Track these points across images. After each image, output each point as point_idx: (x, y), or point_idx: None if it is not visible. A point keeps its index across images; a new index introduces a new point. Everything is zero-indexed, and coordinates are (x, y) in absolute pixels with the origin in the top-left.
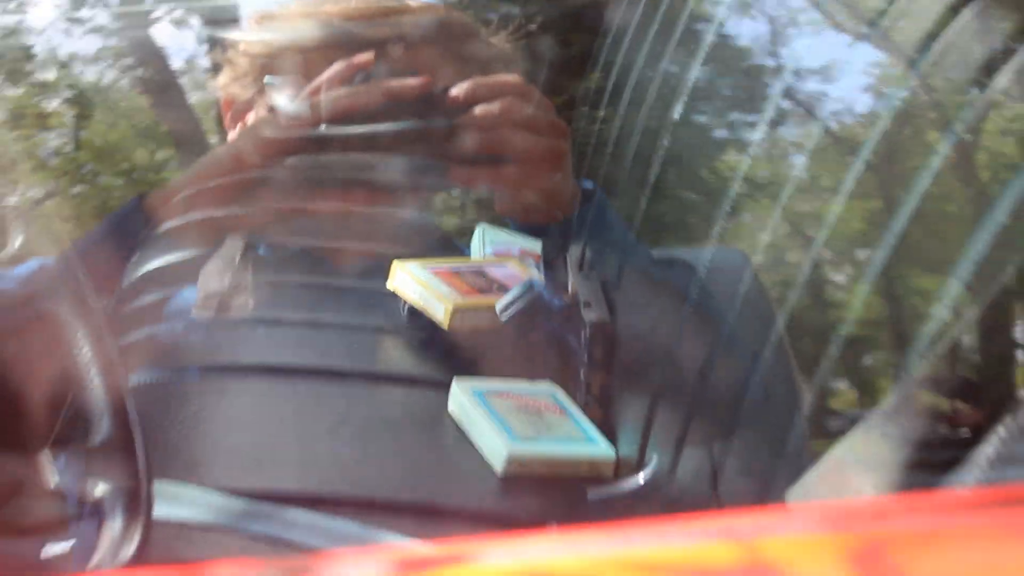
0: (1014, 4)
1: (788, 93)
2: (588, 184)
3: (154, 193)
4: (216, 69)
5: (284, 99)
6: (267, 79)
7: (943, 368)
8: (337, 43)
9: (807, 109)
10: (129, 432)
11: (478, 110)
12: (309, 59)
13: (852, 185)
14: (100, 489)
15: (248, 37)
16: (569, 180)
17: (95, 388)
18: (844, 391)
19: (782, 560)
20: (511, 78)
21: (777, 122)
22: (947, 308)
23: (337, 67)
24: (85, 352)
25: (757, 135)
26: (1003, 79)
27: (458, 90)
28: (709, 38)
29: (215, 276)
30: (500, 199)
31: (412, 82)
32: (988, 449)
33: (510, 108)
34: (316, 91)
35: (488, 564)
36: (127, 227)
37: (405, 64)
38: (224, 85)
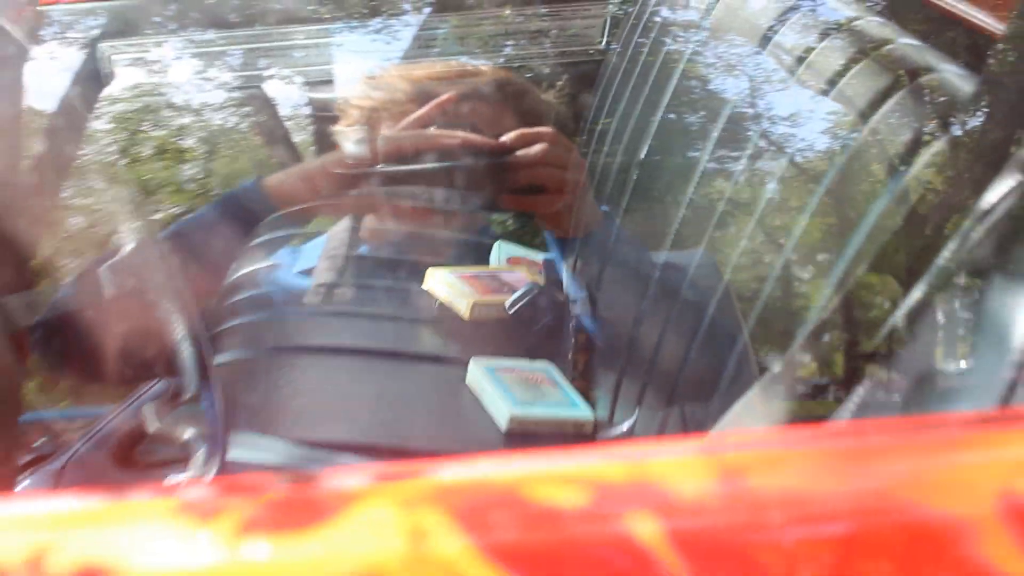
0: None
1: (763, 134)
2: (603, 208)
3: (270, 178)
4: (316, 117)
5: (359, 142)
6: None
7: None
8: (423, 98)
9: (778, 147)
10: (211, 391)
11: (520, 153)
12: (402, 110)
13: (814, 205)
14: (190, 434)
15: (358, 93)
16: (589, 204)
17: (187, 357)
18: (808, 363)
19: (665, 475)
20: (546, 129)
21: (755, 156)
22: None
23: (419, 114)
24: (177, 326)
25: (739, 167)
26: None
27: (507, 137)
28: (699, 92)
29: (326, 271)
30: (540, 219)
31: (474, 137)
32: (853, 399)
33: (545, 152)
34: (413, 125)
35: (442, 476)
36: (244, 202)
37: (473, 114)
38: (338, 128)
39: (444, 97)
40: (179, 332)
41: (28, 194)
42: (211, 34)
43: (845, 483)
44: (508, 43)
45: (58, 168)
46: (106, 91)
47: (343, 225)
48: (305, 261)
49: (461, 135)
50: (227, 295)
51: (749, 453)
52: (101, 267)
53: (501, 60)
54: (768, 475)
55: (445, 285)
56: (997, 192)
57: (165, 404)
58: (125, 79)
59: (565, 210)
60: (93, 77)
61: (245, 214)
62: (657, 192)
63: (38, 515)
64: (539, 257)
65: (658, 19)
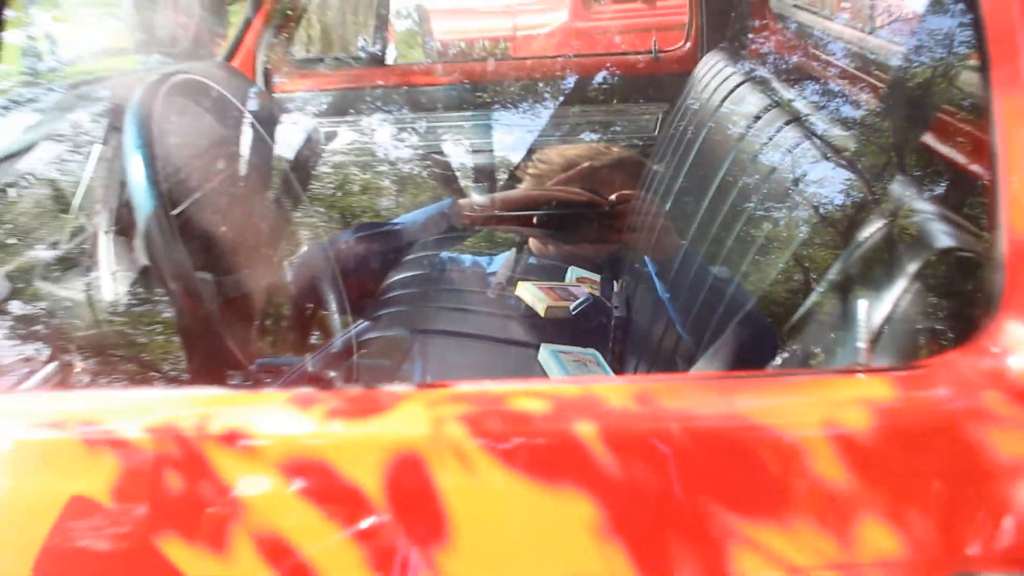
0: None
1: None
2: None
3: (462, 202)
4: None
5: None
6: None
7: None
8: (569, 166)
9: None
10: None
11: (620, 207)
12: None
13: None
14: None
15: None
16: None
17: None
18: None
19: (604, 395)
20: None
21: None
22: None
23: (569, 175)
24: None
25: (739, 206)
26: None
27: (613, 197)
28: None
29: (505, 273)
30: (631, 251)
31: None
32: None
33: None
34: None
35: (456, 389)
36: (439, 216)
37: (603, 177)
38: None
39: (584, 166)
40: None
41: (271, 215)
42: (404, 112)
43: (725, 408)
44: (600, 128)
45: (293, 197)
46: (327, 147)
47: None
48: (495, 266)
49: (586, 194)
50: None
51: (663, 385)
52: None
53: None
54: (673, 399)
55: (530, 293)
56: (867, 230)
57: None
58: (342, 139)
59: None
60: (313, 138)
61: (442, 219)
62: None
63: (212, 396)
64: (596, 277)
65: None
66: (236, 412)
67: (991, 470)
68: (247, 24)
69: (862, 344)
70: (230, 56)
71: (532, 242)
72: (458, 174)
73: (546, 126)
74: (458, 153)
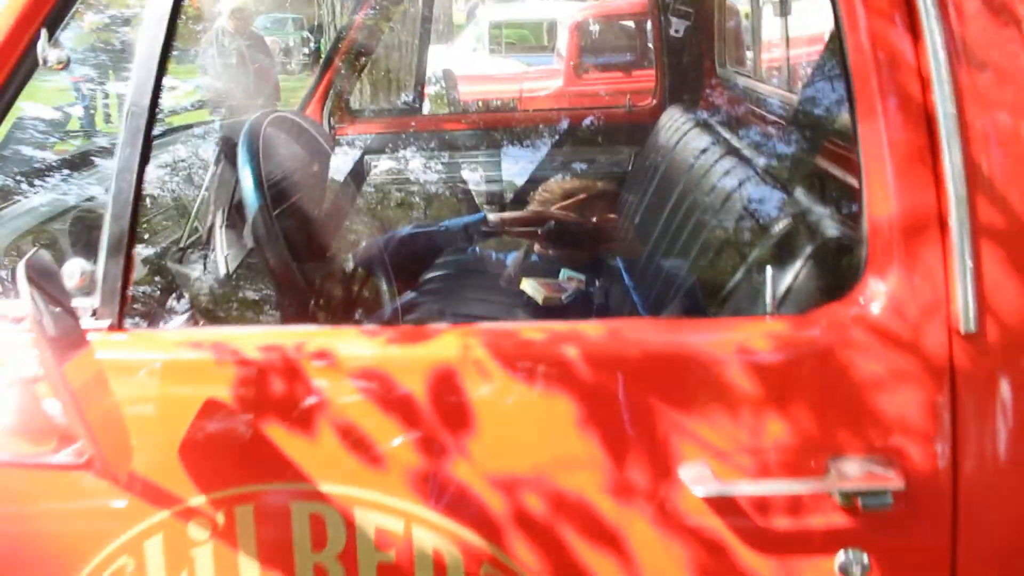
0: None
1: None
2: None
3: (490, 216)
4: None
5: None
6: None
7: None
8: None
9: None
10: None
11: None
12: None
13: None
14: None
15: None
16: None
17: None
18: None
19: (583, 330)
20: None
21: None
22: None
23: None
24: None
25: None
26: None
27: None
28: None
29: (514, 268)
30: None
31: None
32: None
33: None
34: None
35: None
36: (474, 224)
37: (590, 203)
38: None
39: (578, 198)
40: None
41: (326, 226)
42: (432, 148)
43: (672, 338)
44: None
45: (342, 208)
46: (375, 172)
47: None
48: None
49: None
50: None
51: (629, 324)
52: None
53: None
54: (634, 333)
55: (530, 286)
56: (778, 225)
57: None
58: (384, 166)
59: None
60: (360, 169)
61: (474, 226)
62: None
63: (303, 330)
64: (582, 276)
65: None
66: (321, 339)
67: (855, 381)
68: (316, 84)
69: (769, 299)
70: (303, 107)
71: (536, 247)
72: (474, 195)
73: (544, 162)
74: (474, 180)
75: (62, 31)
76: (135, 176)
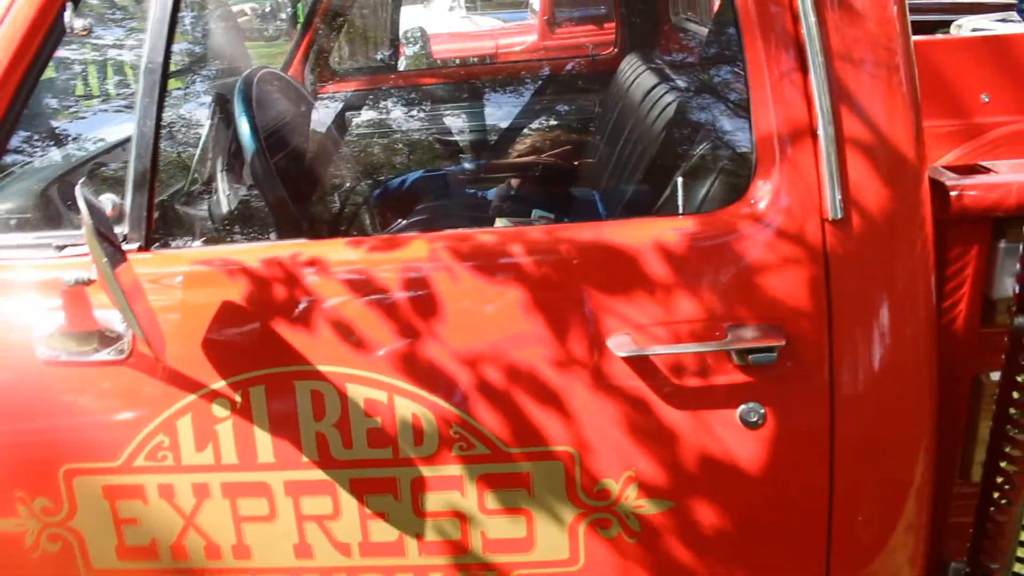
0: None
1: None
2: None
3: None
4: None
5: None
6: None
7: None
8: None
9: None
10: None
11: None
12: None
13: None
14: None
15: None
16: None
17: None
18: None
19: (529, 232)
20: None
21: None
22: None
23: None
24: None
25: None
26: None
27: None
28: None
29: (496, 201)
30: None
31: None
32: None
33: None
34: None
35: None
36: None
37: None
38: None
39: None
40: None
41: (313, 167)
42: (408, 97)
43: (603, 234)
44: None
45: (324, 157)
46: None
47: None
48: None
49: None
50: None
51: (568, 227)
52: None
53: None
54: (570, 232)
55: (503, 223)
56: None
57: None
58: (361, 119)
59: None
60: (342, 120)
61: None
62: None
63: (296, 244)
64: (551, 215)
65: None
66: (312, 250)
67: (747, 264)
68: (297, 46)
69: (681, 203)
70: (286, 68)
71: (515, 182)
72: (449, 143)
73: (515, 111)
74: (448, 130)
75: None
76: (154, 122)
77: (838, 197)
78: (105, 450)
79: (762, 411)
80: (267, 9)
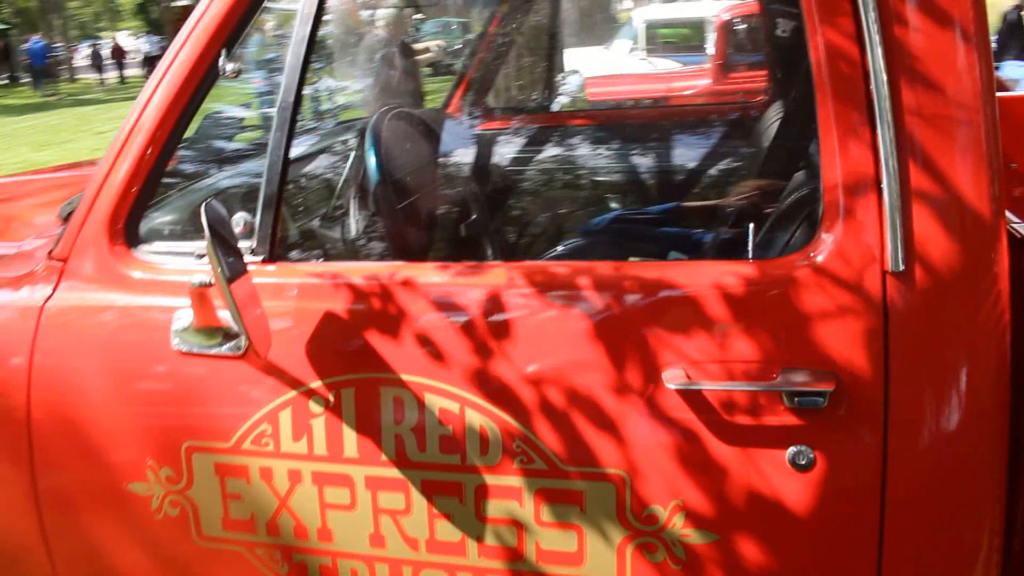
0: None
1: None
2: None
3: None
4: None
5: None
6: None
7: None
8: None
9: None
10: None
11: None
12: None
13: None
14: None
15: None
16: None
17: None
18: None
19: None
20: None
21: None
22: None
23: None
24: None
25: None
26: None
27: None
28: None
29: None
30: None
31: None
32: None
33: None
34: None
35: None
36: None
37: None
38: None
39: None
40: None
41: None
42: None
43: (642, 273)
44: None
45: (452, 190)
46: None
47: None
48: None
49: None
50: None
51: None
52: None
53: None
54: (605, 270)
55: None
56: None
57: None
58: (511, 156)
59: None
60: (488, 153)
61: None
62: None
63: (398, 265)
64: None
65: None
66: (406, 271)
67: (805, 311)
68: (457, 84)
69: (750, 248)
70: (447, 104)
71: None
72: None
73: (669, 154)
74: (605, 170)
75: (237, 48)
76: (283, 152)
77: (900, 249)
78: (219, 432)
79: (811, 456)
80: (456, 46)
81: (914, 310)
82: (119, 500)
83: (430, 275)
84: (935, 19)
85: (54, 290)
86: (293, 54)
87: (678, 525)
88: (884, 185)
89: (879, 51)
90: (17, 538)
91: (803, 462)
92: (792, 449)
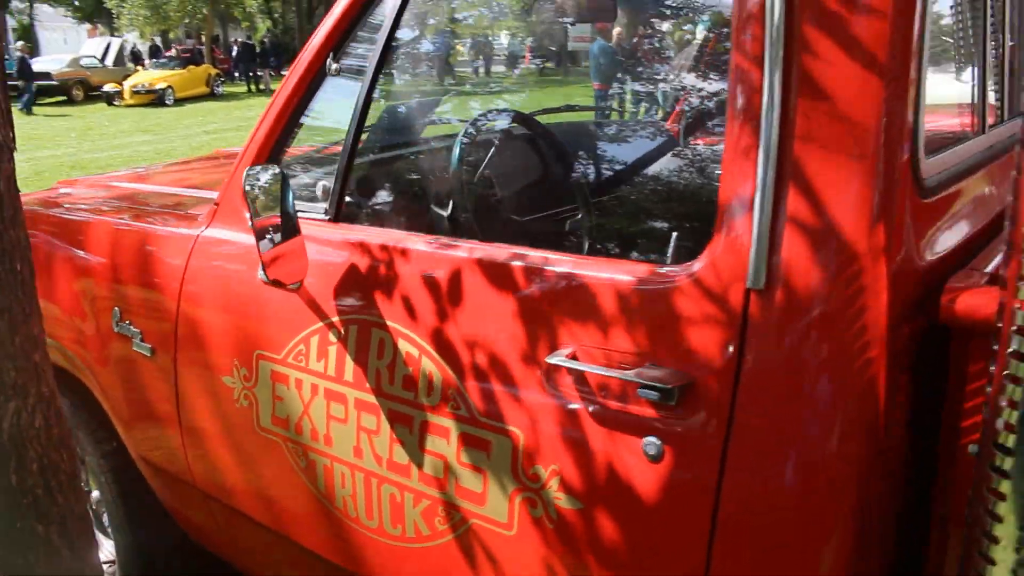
0: None
1: None
2: None
3: None
4: None
5: None
6: None
7: None
8: None
9: None
10: None
11: None
12: None
13: None
14: None
15: None
16: None
17: None
18: None
19: None
20: None
21: None
22: None
23: None
24: None
25: None
26: None
27: None
28: None
29: None
30: None
31: None
32: None
33: None
34: None
35: None
36: None
37: None
38: None
39: None
40: None
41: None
42: None
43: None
44: None
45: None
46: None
47: None
48: None
49: None
50: None
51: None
52: None
53: None
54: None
55: None
56: None
57: None
58: None
59: None
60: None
61: None
62: None
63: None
64: None
65: None
66: (410, 241)
67: (678, 315)
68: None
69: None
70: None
71: None
72: None
73: None
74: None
75: (339, 53)
76: (353, 138)
77: (762, 268)
78: (276, 346)
79: (661, 447)
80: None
81: (770, 327)
82: (217, 389)
83: (419, 244)
84: (843, 47)
85: (207, 226)
86: (370, 59)
87: (553, 488)
88: (756, 206)
89: (777, 75)
90: (162, 415)
91: (653, 452)
92: (647, 439)
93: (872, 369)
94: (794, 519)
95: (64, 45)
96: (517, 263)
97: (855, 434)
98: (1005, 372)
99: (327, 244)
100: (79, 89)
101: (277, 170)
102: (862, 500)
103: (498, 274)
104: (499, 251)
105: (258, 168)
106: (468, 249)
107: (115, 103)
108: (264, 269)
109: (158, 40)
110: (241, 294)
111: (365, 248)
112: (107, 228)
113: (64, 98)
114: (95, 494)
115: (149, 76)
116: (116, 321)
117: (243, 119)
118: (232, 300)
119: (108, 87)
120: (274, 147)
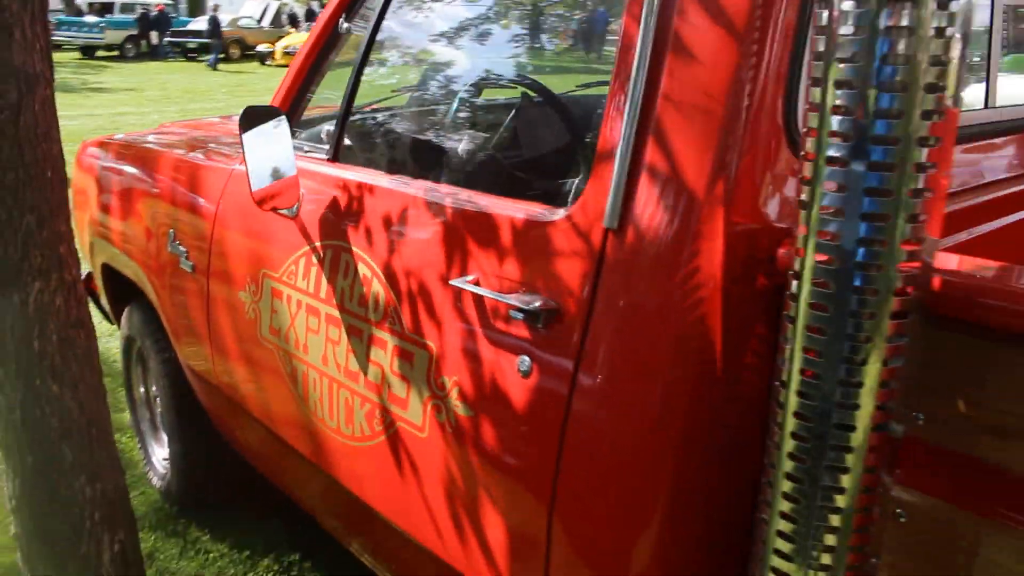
0: None
1: None
2: None
3: None
4: None
5: None
6: None
7: None
8: None
9: None
10: None
11: None
12: None
13: None
14: None
15: None
16: None
17: None
18: None
19: None
20: None
21: None
22: None
23: None
24: None
25: None
26: None
27: None
28: None
29: None
30: None
31: None
32: None
33: None
34: None
35: None
36: None
37: None
38: None
39: None
40: None
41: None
42: None
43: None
44: None
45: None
46: None
47: None
48: None
49: None
50: None
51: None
52: None
53: None
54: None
55: None
56: None
57: None
58: None
59: None
60: None
61: None
62: None
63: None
64: None
65: None
66: (378, 179)
67: (553, 249)
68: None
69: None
70: None
71: None
72: None
73: None
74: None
75: (350, 15)
76: (351, 90)
77: (617, 211)
78: (276, 265)
79: (530, 366)
80: None
81: (620, 264)
82: (234, 303)
83: (382, 182)
84: (710, 13)
85: (240, 161)
86: (370, 21)
87: (454, 396)
88: (618, 154)
89: (649, 36)
90: (198, 327)
91: (524, 369)
92: (520, 357)
93: (702, 311)
94: (628, 440)
95: (230, 5)
96: (448, 201)
97: (684, 369)
98: (784, 312)
99: (324, 180)
100: (236, 47)
101: (282, 115)
102: (689, 429)
103: (430, 209)
104: (434, 190)
105: (261, 109)
106: (417, 188)
107: (267, 63)
108: (252, 194)
109: (315, 4)
110: (256, 219)
111: (347, 184)
112: (169, 159)
113: (223, 56)
114: (158, 397)
115: (301, 38)
116: (170, 241)
117: None
118: (250, 225)
119: (262, 47)
120: (295, 97)
